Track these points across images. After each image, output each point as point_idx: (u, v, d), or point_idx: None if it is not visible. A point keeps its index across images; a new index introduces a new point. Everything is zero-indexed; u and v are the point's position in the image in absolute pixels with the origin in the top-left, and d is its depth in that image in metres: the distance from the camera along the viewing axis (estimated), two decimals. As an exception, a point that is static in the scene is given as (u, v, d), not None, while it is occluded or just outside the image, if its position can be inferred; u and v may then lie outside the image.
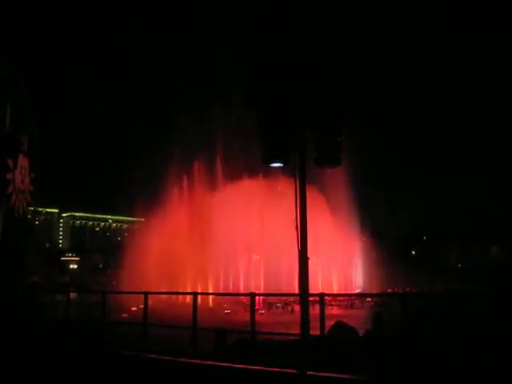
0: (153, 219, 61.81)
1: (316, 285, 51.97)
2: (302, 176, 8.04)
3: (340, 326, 12.85)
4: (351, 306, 43.47)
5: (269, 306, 42.80)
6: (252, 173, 59.17)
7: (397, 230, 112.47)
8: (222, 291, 51.04)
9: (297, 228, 7.82)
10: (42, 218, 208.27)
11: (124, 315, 33.10)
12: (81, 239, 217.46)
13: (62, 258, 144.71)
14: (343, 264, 62.02)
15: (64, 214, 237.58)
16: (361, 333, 12.38)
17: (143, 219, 72.67)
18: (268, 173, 56.64)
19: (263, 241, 55.35)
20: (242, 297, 38.55)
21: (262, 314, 34.13)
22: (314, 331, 9.38)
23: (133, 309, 36.91)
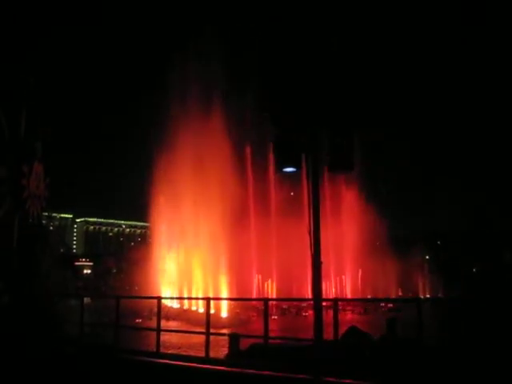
0: (164, 223, 61.63)
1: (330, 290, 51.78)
2: (315, 180, 8.04)
3: (354, 331, 12.76)
4: (365, 312, 43.12)
5: (282, 311, 42.61)
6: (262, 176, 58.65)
7: (411, 234, 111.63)
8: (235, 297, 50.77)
9: (310, 233, 7.81)
10: (56, 223, 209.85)
11: (137, 320, 33.23)
12: (94, 244, 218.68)
13: (76, 263, 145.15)
14: (356, 269, 61.61)
15: (78, 220, 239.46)
16: (375, 338, 12.29)
17: (150, 224, 72.21)
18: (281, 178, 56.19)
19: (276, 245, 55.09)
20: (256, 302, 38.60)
21: (274, 319, 34.02)
22: (328, 336, 9.33)
23: (145, 314, 37.03)
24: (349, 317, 37.32)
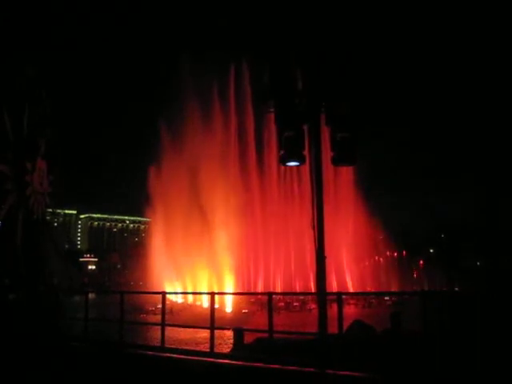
0: (167, 218, 61.54)
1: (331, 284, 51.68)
2: (319, 175, 8.04)
3: (358, 324, 12.79)
4: (369, 305, 43.12)
5: (286, 305, 42.63)
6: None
7: (415, 228, 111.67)
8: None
9: (313, 228, 7.81)
10: (61, 219, 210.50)
11: (142, 315, 33.34)
12: (99, 240, 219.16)
13: (81, 259, 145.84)
14: (360, 263, 61.62)
15: (82, 216, 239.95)
16: (379, 331, 12.31)
17: (151, 219, 71.93)
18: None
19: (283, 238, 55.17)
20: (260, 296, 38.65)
21: (279, 313, 34.07)
22: (332, 330, 9.34)
23: (150, 309, 37.15)
24: (352, 310, 37.34)
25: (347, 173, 55.13)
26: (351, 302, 41.61)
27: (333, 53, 8.17)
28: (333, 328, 9.45)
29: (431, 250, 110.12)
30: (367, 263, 63.10)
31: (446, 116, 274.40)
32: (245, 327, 15.06)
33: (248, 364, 9.63)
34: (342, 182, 59.49)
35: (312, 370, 7.93)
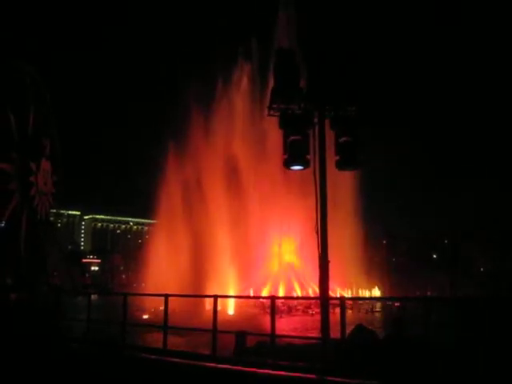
0: (172, 220, 61.47)
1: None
2: (323, 179, 8.01)
3: (360, 329, 12.70)
4: (371, 310, 43.02)
5: (288, 309, 42.58)
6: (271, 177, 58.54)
7: (418, 233, 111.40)
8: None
9: (317, 232, 7.78)
10: (65, 220, 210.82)
11: (145, 317, 33.31)
12: (102, 241, 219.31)
13: (84, 260, 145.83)
14: (363, 267, 61.47)
15: (86, 217, 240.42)
16: (381, 336, 12.23)
17: (156, 221, 71.76)
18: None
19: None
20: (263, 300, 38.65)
21: (281, 317, 34.01)
22: (335, 334, 9.29)
23: (152, 310, 37.12)
24: (355, 315, 37.23)
25: (348, 176, 55.07)
26: (354, 306, 41.51)
27: (336, 55, 8.16)
28: (335, 332, 9.40)
29: (434, 256, 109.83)
30: (369, 268, 62.92)
31: (446, 116, 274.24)
32: (247, 330, 14.98)
33: (248, 370, 9.58)
34: (342, 186, 59.36)
35: (313, 376, 7.87)
